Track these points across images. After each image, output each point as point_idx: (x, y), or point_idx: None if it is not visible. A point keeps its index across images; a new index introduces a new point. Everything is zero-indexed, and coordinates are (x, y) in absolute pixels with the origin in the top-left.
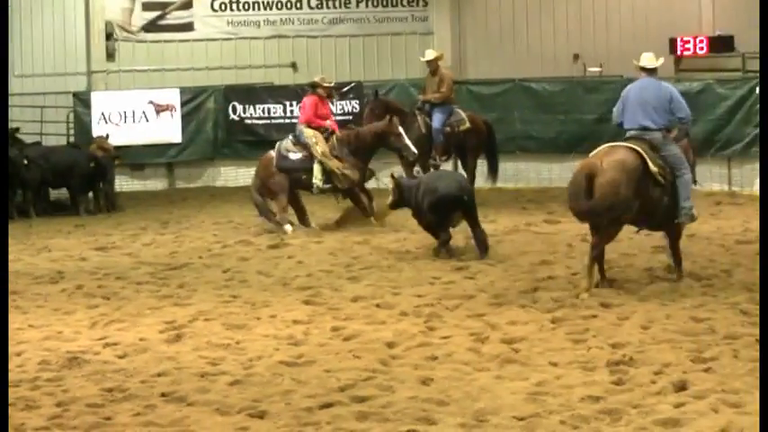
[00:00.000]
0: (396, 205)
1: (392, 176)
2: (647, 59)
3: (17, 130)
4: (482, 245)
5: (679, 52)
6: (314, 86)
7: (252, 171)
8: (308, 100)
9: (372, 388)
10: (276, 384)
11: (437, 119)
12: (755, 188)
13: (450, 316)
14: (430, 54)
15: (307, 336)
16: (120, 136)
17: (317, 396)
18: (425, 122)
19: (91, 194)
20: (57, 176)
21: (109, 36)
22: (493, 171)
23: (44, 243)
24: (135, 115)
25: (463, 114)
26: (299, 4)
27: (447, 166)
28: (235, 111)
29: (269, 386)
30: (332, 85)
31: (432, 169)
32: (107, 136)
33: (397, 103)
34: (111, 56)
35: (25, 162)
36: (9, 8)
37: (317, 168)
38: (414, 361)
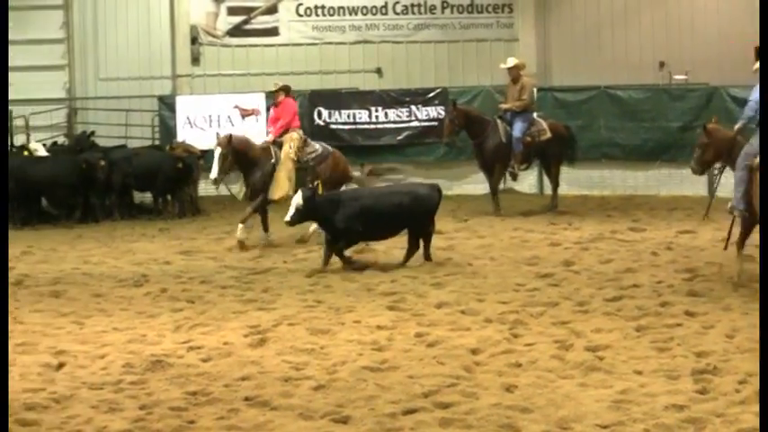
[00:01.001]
0: (297, 222)
1: (302, 191)
2: None
3: (92, 133)
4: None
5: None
6: None
7: None
8: None
9: (456, 394)
10: (360, 390)
11: (517, 127)
12: None
13: (534, 323)
14: (511, 61)
15: (390, 341)
16: (204, 140)
17: (401, 402)
18: (506, 130)
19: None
20: (141, 179)
21: (194, 40)
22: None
23: (128, 246)
24: (220, 119)
25: (544, 124)
26: (384, 10)
27: (528, 175)
28: (320, 116)
29: (352, 391)
30: (276, 88)
31: (510, 177)
32: (183, 142)
33: (476, 111)
34: (196, 60)
35: (102, 163)
36: (95, 11)
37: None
38: (497, 368)
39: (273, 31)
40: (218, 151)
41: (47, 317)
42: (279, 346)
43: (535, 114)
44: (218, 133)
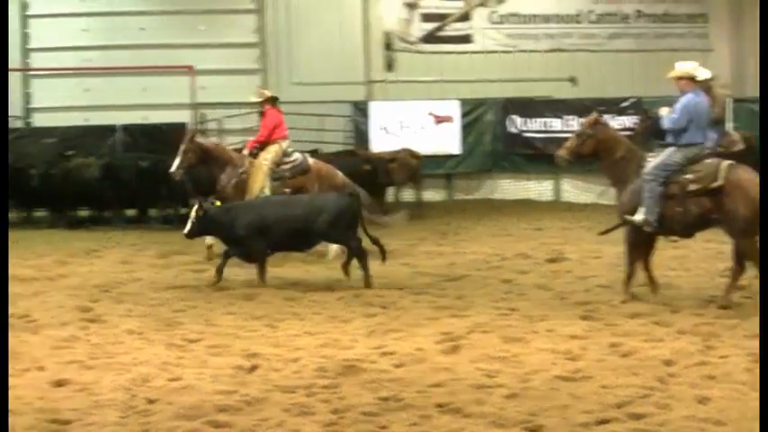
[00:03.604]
0: (195, 234)
1: (199, 204)
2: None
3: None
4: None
5: None
6: None
7: (530, 184)
8: None
9: (649, 405)
10: (553, 399)
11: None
12: None
13: (728, 335)
14: (702, 73)
15: (584, 351)
16: (398, 146)
17: (594, 412)
18: None
19: None
20: None
21: (388, 46)
22: None
23: (322, 250)
24: (413, 126)
25: (736, 135)
26: (578, 19)
27: None
28: (513, 123)
29: (545, 400)
30: (261, 98)
31: None
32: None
33: None
34: (389, 66)
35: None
36: (288, 16)
37: None
38: (691, 380)
39: (467, 39)
40: (181, 146)
41: (239, 319)
42: (472, 354)
43: (728, 126)
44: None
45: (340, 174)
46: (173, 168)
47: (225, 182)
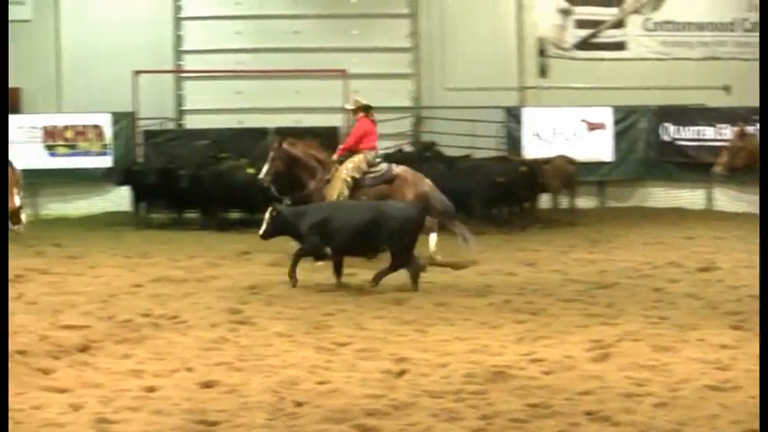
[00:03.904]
0: (269, 235)
1: (273, 206)
2: None
3: (433, 144)
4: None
5: None
6: None
7: (682, 192)
8: None
9: None
10: (702, 408)
11: None
12: None
13: None
14: None
15: (734, 361)
16: (551, 153)
17: (742, 423)
18: None
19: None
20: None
21: (541, 52)
22: None
23: (472, 257)
24: (566, 132)
25: None
26: (732, 27)
27: None
28: (666, 132)
29: (694, 410)
30: (350, 107)
31: None
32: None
33: None
34: (543, 72)
35: None
36: (443, 21)
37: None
38: None
39: (621, 46)
40: (270, 154)
41: (389, 324)
42: (621, 362)
43: None
44: None
45: (428, 181)
46: (261, 175)
47: (311, 188)
